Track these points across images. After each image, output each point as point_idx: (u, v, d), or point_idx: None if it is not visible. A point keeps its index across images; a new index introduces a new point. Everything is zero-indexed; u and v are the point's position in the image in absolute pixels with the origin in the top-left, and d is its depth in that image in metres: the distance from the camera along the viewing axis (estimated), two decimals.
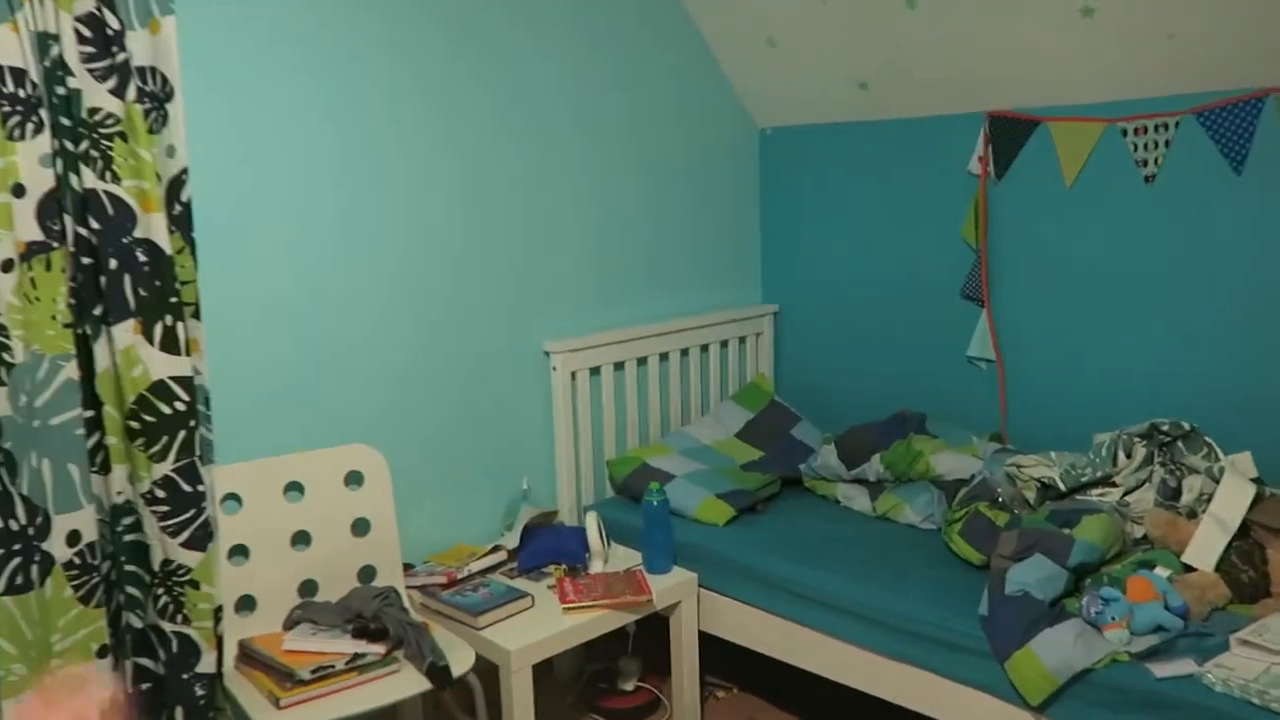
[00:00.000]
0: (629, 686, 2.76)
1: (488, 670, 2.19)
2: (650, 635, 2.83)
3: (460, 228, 2.64)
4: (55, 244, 1.86)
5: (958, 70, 2.82)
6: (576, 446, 2.92)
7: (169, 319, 1.96)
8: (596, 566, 2.53)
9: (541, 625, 2.28)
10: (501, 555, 2.55)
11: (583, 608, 2.33)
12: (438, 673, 2.04)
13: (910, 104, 3.03)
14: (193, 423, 2.00)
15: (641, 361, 3.09)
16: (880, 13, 2.77)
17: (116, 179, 1.89)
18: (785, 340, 3.55)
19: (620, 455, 2.99)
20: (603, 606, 2.34)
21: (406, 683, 2.05)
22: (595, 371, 2.95)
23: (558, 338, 2.85)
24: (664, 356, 3.17)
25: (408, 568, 2.48)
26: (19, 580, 1.90)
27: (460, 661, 2.09)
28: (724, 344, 3.38)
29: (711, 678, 2.84)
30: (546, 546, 2.54)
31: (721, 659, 2.81)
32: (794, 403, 3.35)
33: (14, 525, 1.88)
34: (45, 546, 1.91)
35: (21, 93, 1.79)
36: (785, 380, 3.55)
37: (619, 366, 3.02)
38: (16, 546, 1.89)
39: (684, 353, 3.24)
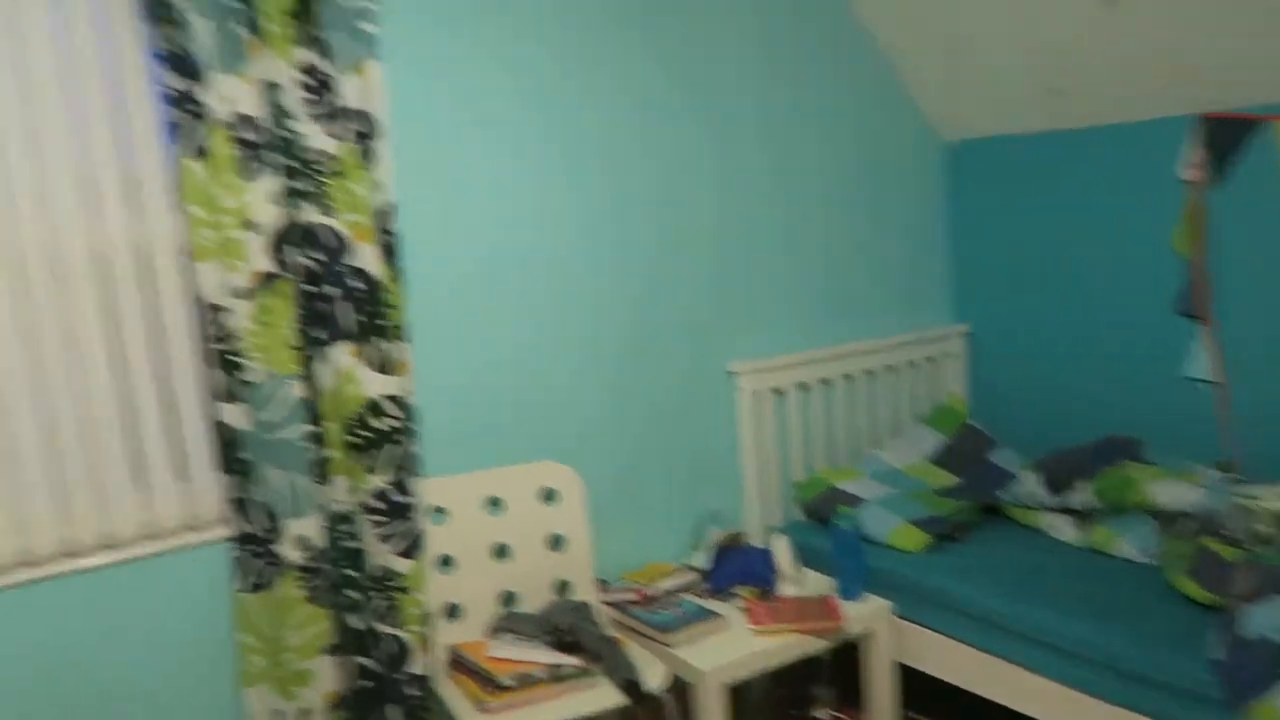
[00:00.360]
0: (823, 715, 2.69)
1: (678, 689, 2.19)
2: (844, 664, 2.74)
3: (650, 249, 2.70)
4: (284, 273, 2.05)
5: (1165, 71, 2.64)
6: (763, 468, 2.90)
7: (381, 341, 2.11)
8: (787, 590, 2.49)
9: (733, 647, 2.26)
10: (692, 575, 2.56)
11: (774, 631, 2.29)
12: (632, 688, 2.07)
13: (1111, 110, 2.86)
14: (403, 438, 2.14)
15: (827, 383, 3.04)
16: (1076, 13, 2.64)
17: (334, 213, 2.06)
18: (978, 361, 3.40)
19: (808, 478, 2.95)
20: (794, 630, 2.30)
21: (602, 695, 2.08)
22: (781, 393, 2.93)
23: (743, 358, 2.85)
24: (850, 378, 3.11)
25: (601, 583, 2.53)
26: (258, 579, 2.09)
27: (654, 678, 2.11)
28: (913, 365, 3.27)
29: (910, 711, 2.72)
30: (736, 568, 2.53)
31: (919, 691, 2.69)
32: (989, 426, 3.19)
33: (253, 529, 2.07)
34: (279, 550, 2.08)
35: (253, 137, 1.99)
36: (979, 403, 3.39)
37: (804, 388, 2.99)
38: (255, 549, 2.08)
39: (871, 374, 3.16)
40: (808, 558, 2.65)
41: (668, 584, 2.51)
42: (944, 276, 3.42)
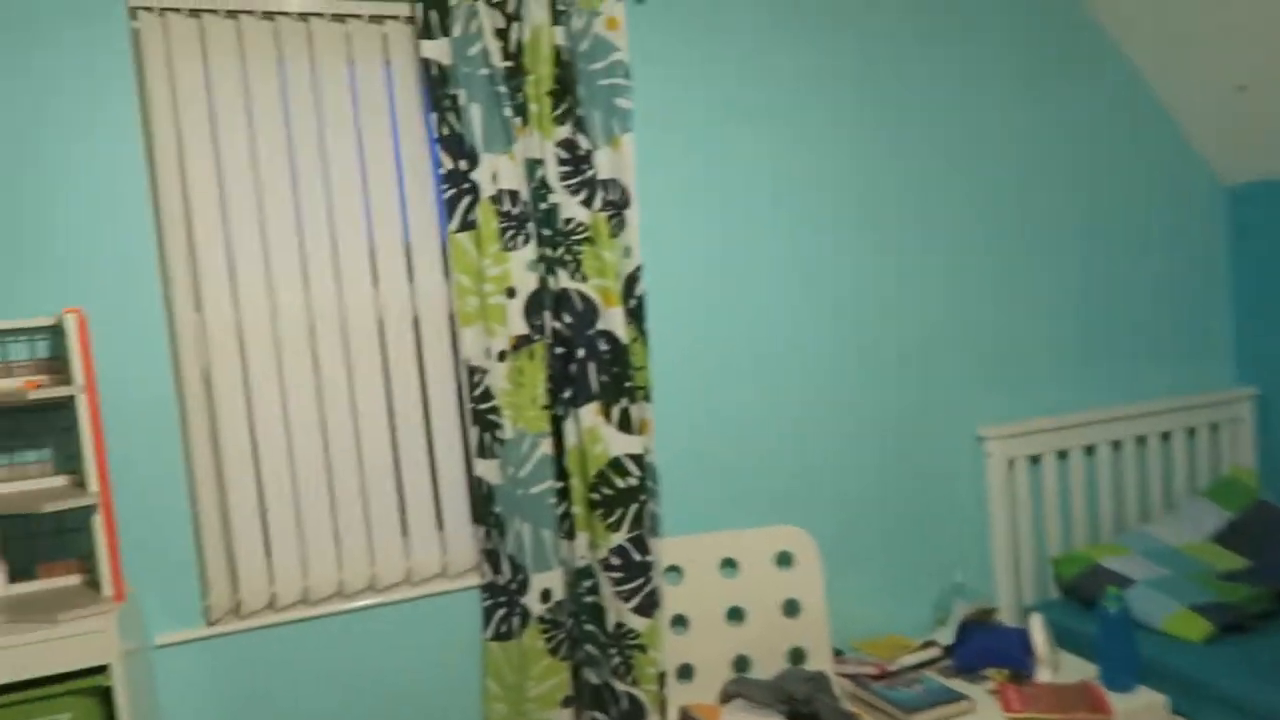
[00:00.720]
0: None
1: None
2: None
3: (892, 305, 2.62)
4: (537, 337, 2.16)
5: None
6: (1016, 540, 2.70)
7: (625, 401, 2.17)
8: (1044, 675, 2.30)
9: None
10: (935, 651, 2.42)
11: (1030, 719, 2.11)
12: None
13: None
14: (644, 497, 2.18)
15: (1090, 450, 2.81)
16: None
17: (584, 278, 2.15)
18: (1269, 428, 3.02)
19: (1067, 553, 2.71)
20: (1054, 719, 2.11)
21: None
22: (1036, 460, 2.73)
23: (993, 422, 2.69)
24: (1117, 445, 2.85)
25: (837, 653, 2.44)
26: (504, 629, 2.18)
27: None
28: (1191, 431, 2.95)
29: None
30: (986, 647, 2.36)
31: None
32: None
33: (501, 580, 2.17)
34: (524, 601, 2.17)
35: (515, 210, 2.13)
36: (1271, 475, 3.00)
37: (1063, 455, 2.77)
38: (503, 599, 2.18)
39: (1140, 440, 2.88)
40: (1069, 641, 2.44)
41: (909, 659, 2.38)
42: (1226, 333, 3.08)
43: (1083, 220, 2.85)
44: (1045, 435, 2.71)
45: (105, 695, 1.70)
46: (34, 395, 1.74)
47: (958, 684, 2.31)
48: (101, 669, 1.69)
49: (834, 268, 2.57)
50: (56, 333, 1.91)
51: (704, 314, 2.44)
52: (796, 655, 2.43)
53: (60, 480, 1.91)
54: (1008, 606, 2.67)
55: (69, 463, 1.92)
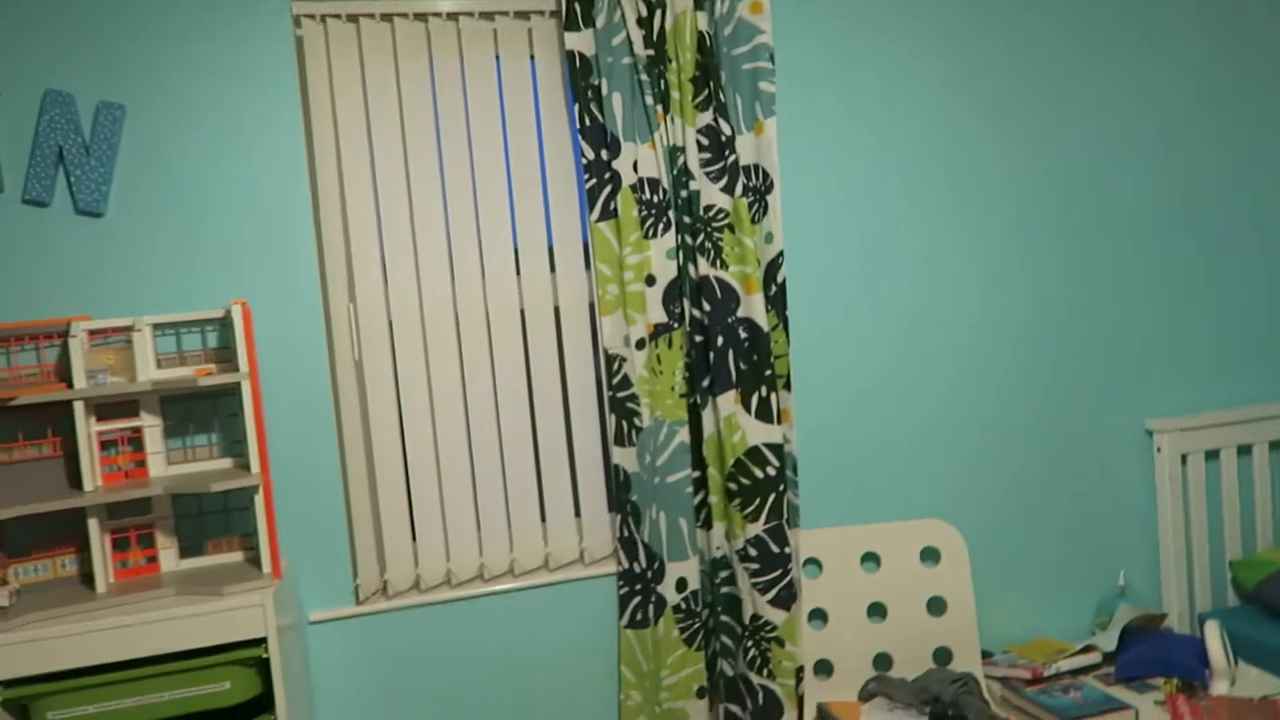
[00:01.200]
0: None
1: None
2: None
3: (1051, 290, 2.47)
4: (675, 325, 2.15)
5: None
6: (1189, 542, 2.51)
7: (764, 390, 2.13)
8: (1220, 688, 2.12)
9: None
10: (1094, 656, 2.27)
11: None
12: None
13: None
14: (782, 487, 2.13)
15: (1276, 445, 2.57)
16: None
17: (724, 265, 2.12)
18: None
19: (1248, 557, 2.50)
20: None
21: None
22: (1213, 455, 2.52)
23: (1164, 415, 2.50)
24: None
25: (985, 655, 2.33)
26: (639, 616, 2.18)
27: None
28: None
29: None
30: (1153, 655, 2.20)
31: None
32: None
33: (637, 568, 2.18)
34: (660, 589, 2.17)
35: (656, 198, 2.11)
36: None
37: (1244, 451, 2.54)
38: (638, 587, 2.18)
39: None
40: (1249, 652, 2.25)
41: (1066, 664, 2.25)
42: None
43: (1260, 207, 2.60)
44: (1224, 429, 2.50)
45: (263, 666, 1.80)
46: (204, 382, 1.85)
47: (1120, 692, 2.16)
48: (260, 641, 1.79)
49: (989, 252, 2.44)
50: (224, 323, 2.02)
51: (847, 300, 2.37)
52: (942, 655, 2.33)
53: (226, 463, 2.03)
54: (1177, 613, 2.49)
55: (234, 446, 2.04)
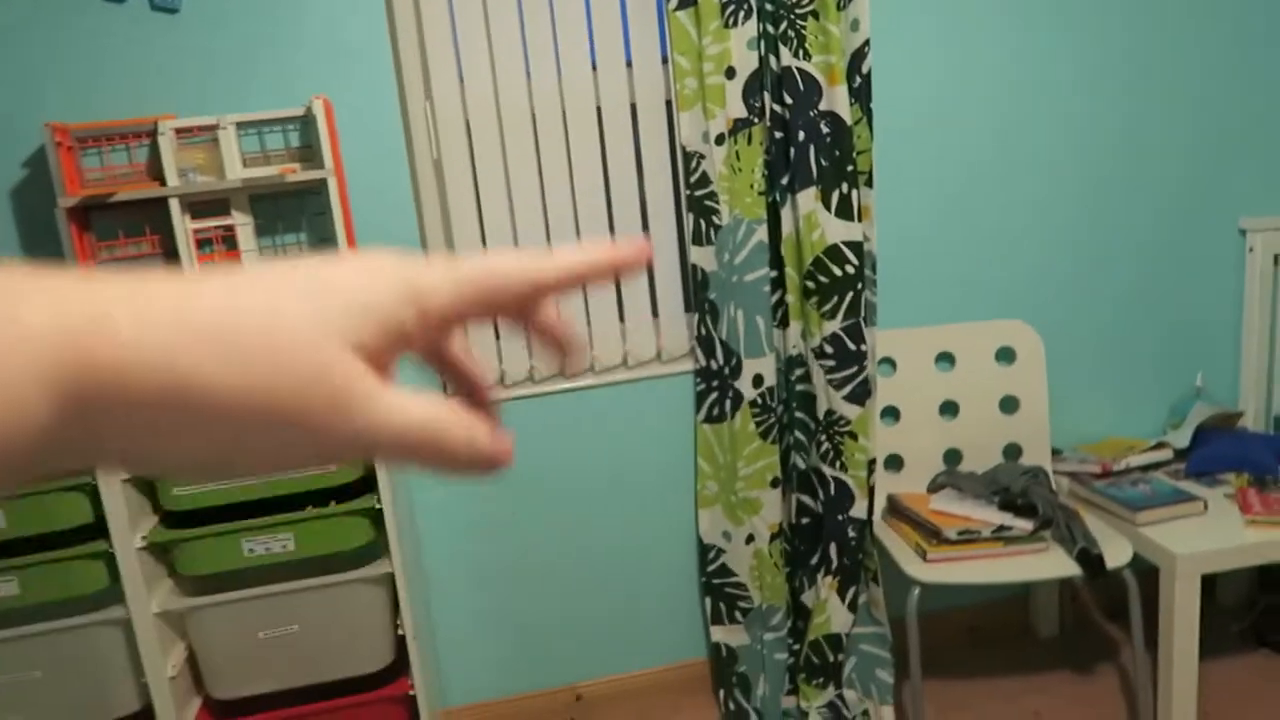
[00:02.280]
0: None
1: (1141, 573, 2.01)
2: None
3: (1144, 79, 2.35)
4: (755, 119, 2.10)
5: None
6: (1273, 342, 2.47)
7: (845, 186, 2.09)
8: None
9: (1215, 535, 2.01)
10: (1166, 453, 2.30)
11: (1273, 523, 2.00)
12: (1090, 560, 1.94)
13: None
14: (860, 285, 2.14)
15: None
16: None
17: (807, 56, 2.05)
18: None
19: None
20: None
21: (1053, 563, 1.99)
22: None
23: (1259, 214, 2.41)
24: None
25: (1055, 453, 2.38)
26: (715, 411, 2.25)
27: (1116, 554, 1.96)
28: None
29: None
30: (1227, 451, 2.23)
31: None
32: None
33: (714, 365, 2.23)
34: (737, 385, 2.22)
35: None
36: None
37: None
38: (715, 383, 2.24)
39: None
40: None
41: (1136, 460, 2.28)
42: None
43: None
44: None
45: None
46: (291, 179, 1.88)
47: (1189, 486, 2.21)
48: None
49: (1084, 48, 2.31)
50: (306, 123, 2.03)
51: (935, 94, 2.28)
52: (1012, 452, 2.38)
53: None
54: (1253, 414, 2.49)
55: (323, 245, 2.09)
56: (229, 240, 2.01)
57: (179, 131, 1.94)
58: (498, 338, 2.26)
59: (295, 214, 2.07)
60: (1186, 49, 2.35)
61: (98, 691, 1.92)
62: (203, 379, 0.27)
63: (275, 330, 0.28)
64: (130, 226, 1.99)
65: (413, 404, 0.31)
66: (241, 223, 2.02)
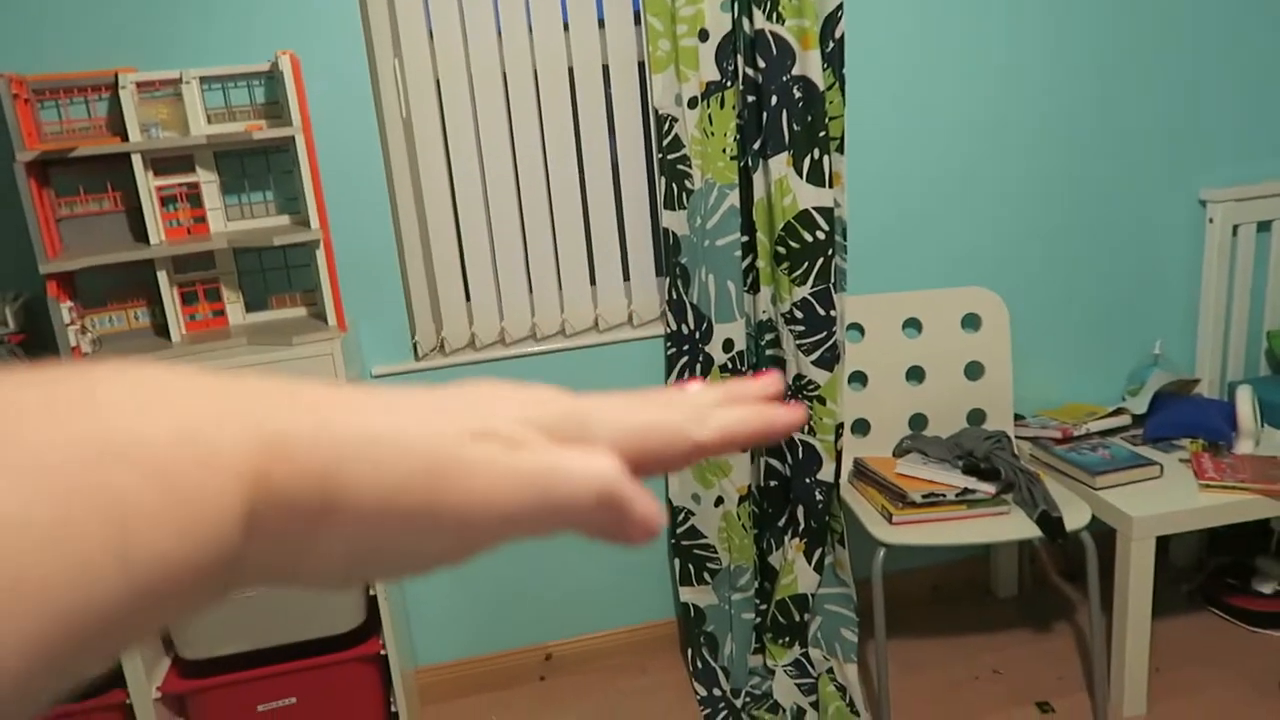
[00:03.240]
0: (1267, 589, 2.41)
1: (1099, 535, 2.07)
2: None
3: (1106, 53, 2.37)
4: (728, 83, 2.09)
5: None
6: (1229, 312, 2.53)
7: (817, 152, 2.10)
8: (1244, 447, 2.21)
9: (1169, 498, 2.07)
10: (1124, 419, 2.36)
11: (1225, 487, 2.06)
12: (1050, 523, 1.99)
13: None
14: (830, 251, 2.15)
15: None
16: None
17: (781, 20, 2.04)
18: None
19: None
20: (1251, 490, 2.05)
21: (1015, 526, 2.03)
22: (1264, 227, 2.50)
23: (1219, 185, 2.45)
24: None
25: (1017, 418, 2.42)
26: (686, 375, 2.26)
27: (1075, 517, 2.01)
28: None
29: None
30: (1182, 417, 2.28)
31: None
32: None
33: (685, 329, 2.24)
34: (707, 349, 2.23)
35: None
36: None
37: None
38: (686, 347, 2.25)
39: None
40: (1273, 417, 2.32)
41: (1096, 425, 2.33)
42: None
43: None
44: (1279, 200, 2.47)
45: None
46: (258, 136, 1.84)
47: (1147, 451, 2.26)
48: None
49: (1051, 12, 2.32)
50: (272, 79, 1.99)
51: (907, 58, 2.29)
52: (976, 417, 2.42)
53: (283, 219, 2.06)
54: (1209, 381, 2.55)
55: (289, 204, 2.06)
56: (194, 198, 1.97)
57: (140, 85, 1.90)
58: (468, 299, 2.25)
59: (262, 172, 2.04)
60: (1150, 22, 2.37)
61: None
62: (368, 492, 0.28)
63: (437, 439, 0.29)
64: (91, 183, 1.95)
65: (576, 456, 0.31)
66: (207, 180, 1.98)
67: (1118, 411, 2.36)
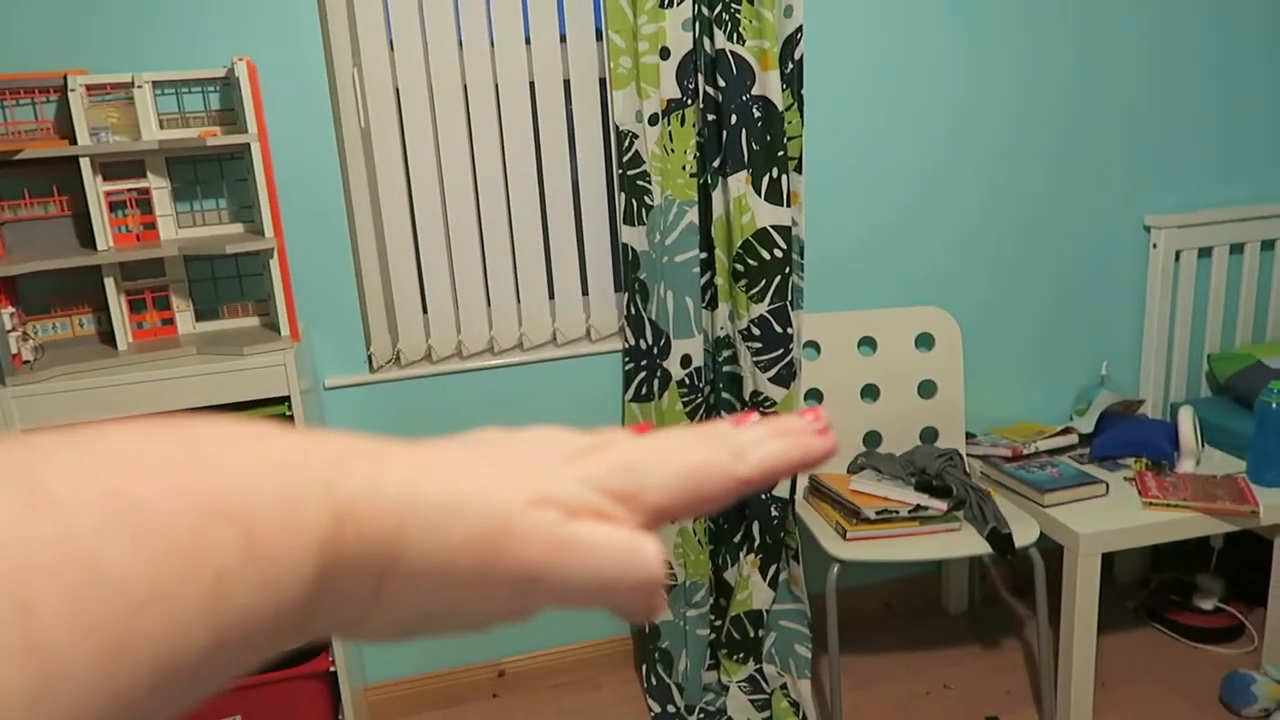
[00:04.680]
0: (1207, 605, 2.47)
1: (1047, 552, 2.10)
2: (1237, 557, 2.49)
3: (1057, 88, 2.43)
4: (689, 101, 2.11)
5: None
6: (1172, 335, 2.60)
7: (775, 171, 2.12)
8: (1186, 466, 2.27)
9: (1115, 516, 2.11)
10: (1072, 438, 2.41)
11: (1167, 505, 2.11)
12: (1000, 540, 2.02)
13: None
14: (788, 269, 2.17)
15: (1268, 246, 2.62)
16: None
17: (741, 40, 2.06)
18: None
19: (1225, 351, 2.60)
20: (1192, 508, 2.10)
21: (966, 542, 2.06)
22: (1205, 253, 2.58)
23: (1163, 212, 2.52)
24: None
25: (969, 436, 2.46)
26: (644, 391, 2.26)
27: (1023, 534, 2.04)
28: None
29: None
30: (1127, 437, 2.34)
31: None
32: None
33: (643, 344, 2.24)
34: (665, 365, 2.24)
35: None
36: None
37: (1236, 249, 2.60)
38: (644, 363, 2.25)
39: None
40: (1216, 437, 2.38)
41: (1045, 444, 2.38)
42: None
43: (1275, 10, 2.53)
44: (1221, 227, 2.54)
45: (286, 424, 1.87)
46: (212, 143, 1.82)
47: (1093, 470, 2.31)
48: (283, 400, 1.86)
49: (998, 37, 2.37)
50: (228, 85, 1.96)
51: (863, 80, 2.32)
52: (929, 435, 2.46)
53: (236, 228, 2.02)
54: (1153, 402, 2.61)
55: (243, 213, 2.03)
56: (144, 204, 1.93)
57: (90, 89, 1.86)
58: (425, 311, 2.23)
59: (215, 179, 2.01)
60: (1099, 52, 2.44)
61: None
62: (428, 553, 0.29)
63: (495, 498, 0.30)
64: (37, 186, 1.90)
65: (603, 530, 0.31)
66: (158, 186, 1.94)
67: (1065, 430, 2.41)
